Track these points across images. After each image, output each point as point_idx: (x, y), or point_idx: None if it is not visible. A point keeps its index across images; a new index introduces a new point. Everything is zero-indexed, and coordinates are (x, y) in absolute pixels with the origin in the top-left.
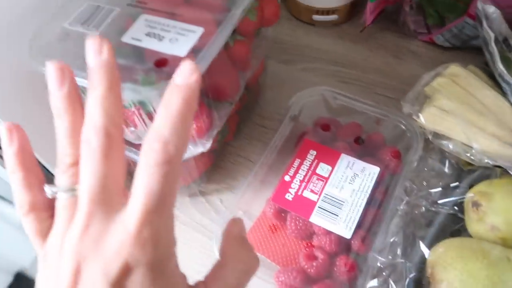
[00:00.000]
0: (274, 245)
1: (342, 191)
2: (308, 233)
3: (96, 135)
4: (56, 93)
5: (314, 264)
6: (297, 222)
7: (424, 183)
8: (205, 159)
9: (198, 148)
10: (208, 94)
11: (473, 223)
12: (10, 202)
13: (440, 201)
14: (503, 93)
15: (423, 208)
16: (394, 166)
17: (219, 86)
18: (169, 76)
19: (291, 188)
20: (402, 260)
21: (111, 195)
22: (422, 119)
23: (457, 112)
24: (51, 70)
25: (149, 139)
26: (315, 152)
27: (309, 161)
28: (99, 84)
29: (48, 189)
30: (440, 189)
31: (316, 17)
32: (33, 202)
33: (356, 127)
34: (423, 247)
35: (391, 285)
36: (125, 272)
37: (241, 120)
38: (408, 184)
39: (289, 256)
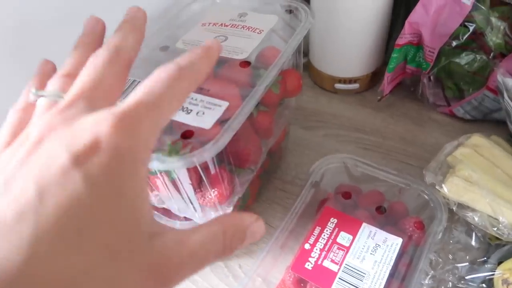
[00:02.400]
0: None
1: (363, 262)
2: None
3: (106, 48)
4: (84, 34)
5: None
6: None
7: (450, 257)
8: None
9: (218, 214)
10: (230, 161)
11: None
12: None
13: (467, 277)
14: None
15: (450, 283)
16: (417, 237)
17: (241, 154)
18: (194, 146)
19: (311, 257)
20: None
21: (100, 98)
22: (446, 189)
23: (481, 183)
24: (88, 20)
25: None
26: (336, 220)
27: (330, 230)
28: (125, 27)
29: (33, 92)
30: (467, 263)
31: (338, 86)
32: (27, 105)
33: (378, 196)
34: None
35: None
36: (91, 148)
37: (262, 184)
38: (433, 257)
39: None
